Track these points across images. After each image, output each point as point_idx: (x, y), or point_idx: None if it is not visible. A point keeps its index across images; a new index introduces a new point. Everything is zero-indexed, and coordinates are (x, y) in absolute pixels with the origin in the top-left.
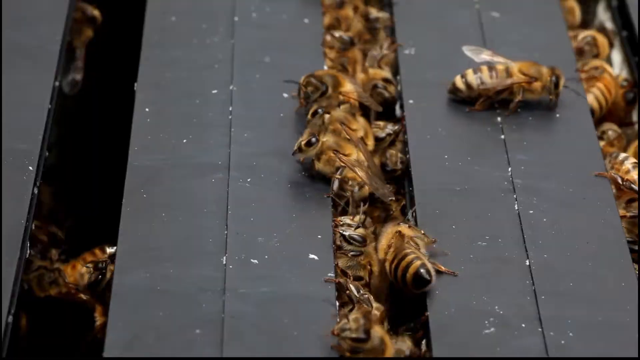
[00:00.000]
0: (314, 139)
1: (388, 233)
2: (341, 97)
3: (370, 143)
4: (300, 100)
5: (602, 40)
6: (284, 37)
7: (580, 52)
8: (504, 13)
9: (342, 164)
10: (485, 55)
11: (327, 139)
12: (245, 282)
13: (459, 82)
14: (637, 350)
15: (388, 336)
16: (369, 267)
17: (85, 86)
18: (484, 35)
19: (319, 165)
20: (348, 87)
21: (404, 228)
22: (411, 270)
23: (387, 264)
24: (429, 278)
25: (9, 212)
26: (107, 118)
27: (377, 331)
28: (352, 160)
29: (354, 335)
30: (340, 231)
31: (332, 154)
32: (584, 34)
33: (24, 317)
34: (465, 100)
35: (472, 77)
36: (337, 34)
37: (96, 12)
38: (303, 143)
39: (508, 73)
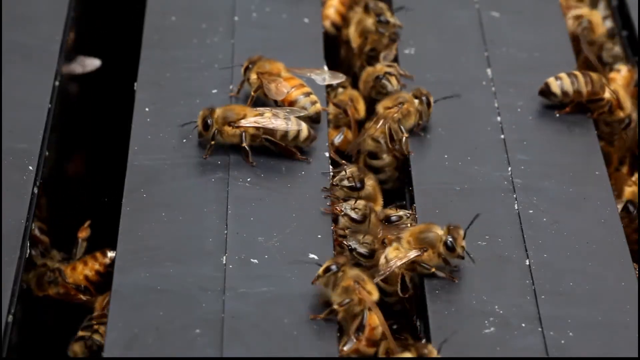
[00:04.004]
0: (334, 267)
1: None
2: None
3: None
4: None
5: (595, 19)
6: (284, 37)
7: (575, 38)
8: (504, 13)
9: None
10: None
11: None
12: (245, 282)
13: (555, 86)
14: (637, 350)
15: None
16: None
17: (86, 86)
18: (484, 35)
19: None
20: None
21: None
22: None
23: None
24: None
25: (9, 212)
26: (107, 118)
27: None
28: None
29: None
30: (347, 244)
31: (353, 284)
32: (575, 13)
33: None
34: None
35: (568, 82)
36: None
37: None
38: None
39: (601, 85)
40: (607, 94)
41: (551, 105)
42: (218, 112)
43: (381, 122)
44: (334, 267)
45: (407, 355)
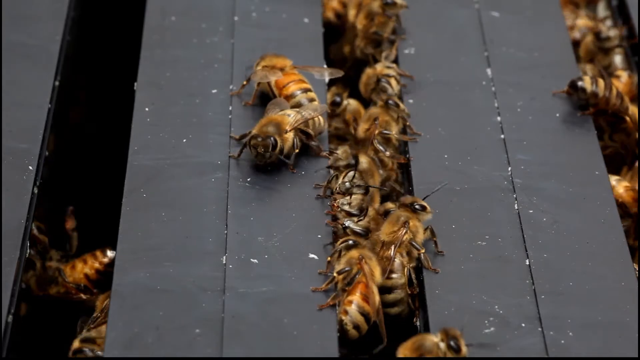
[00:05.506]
0: (351, 241)
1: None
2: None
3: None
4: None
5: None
6: (284, 37)
7: (577, 44)
8: (504, 13)
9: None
10: None
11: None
12: (245, 281)
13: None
14: (637, 350)
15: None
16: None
17: (86, 86)
18: (484, 35)
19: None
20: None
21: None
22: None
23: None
24: None
25: (9, 212)
26: (106, 118)
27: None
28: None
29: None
30: (342, 224)
31: (358, 256)
32: (581, 23)
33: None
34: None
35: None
36: None
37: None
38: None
39: (627, 107)
40: (627, 118)
41: (551, 105)
42: (267, 130)
43: (368, 145)
44: (351, 242)
45: (391, 206)
